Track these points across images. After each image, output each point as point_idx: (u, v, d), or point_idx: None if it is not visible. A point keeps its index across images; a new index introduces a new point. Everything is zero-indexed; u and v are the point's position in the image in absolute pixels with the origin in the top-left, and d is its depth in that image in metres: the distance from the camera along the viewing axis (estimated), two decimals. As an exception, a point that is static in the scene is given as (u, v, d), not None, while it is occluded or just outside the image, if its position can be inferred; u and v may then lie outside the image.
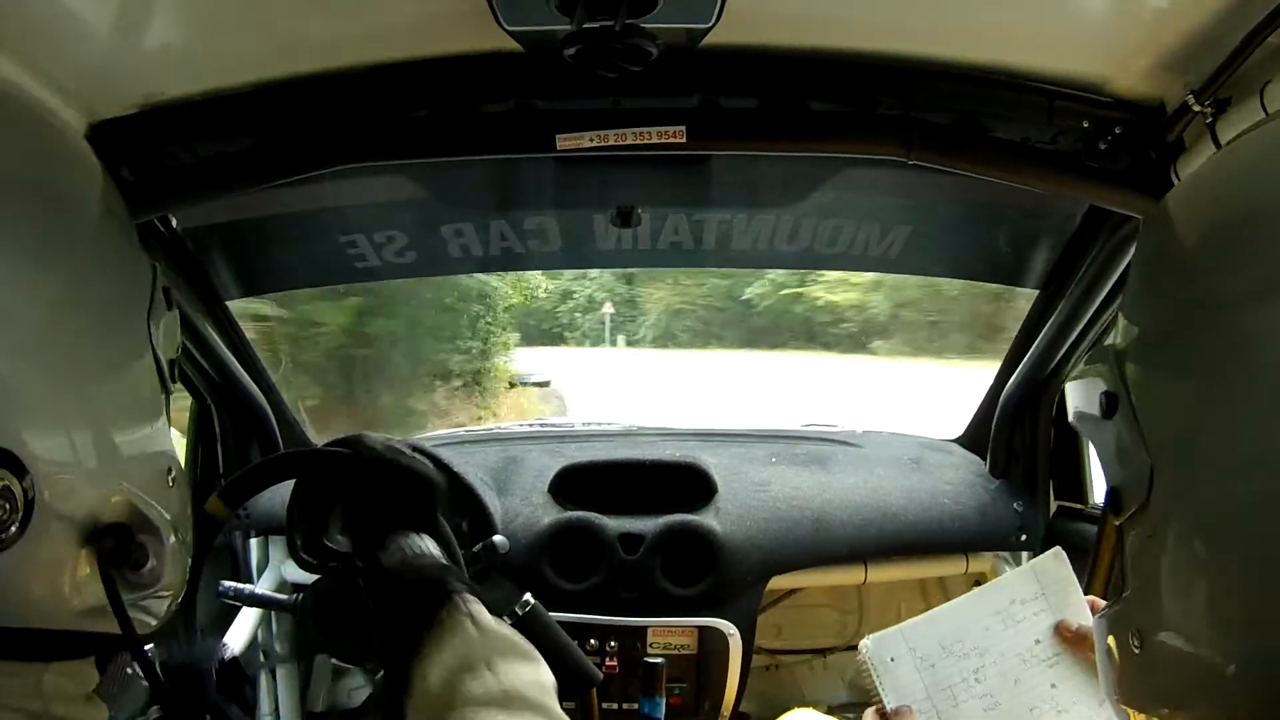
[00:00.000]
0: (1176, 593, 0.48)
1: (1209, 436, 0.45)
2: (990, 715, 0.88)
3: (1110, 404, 0.52)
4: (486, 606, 0.66)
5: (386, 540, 0.75)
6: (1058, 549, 0.92)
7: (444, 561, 0.74)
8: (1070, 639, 0.87)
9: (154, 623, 0.59)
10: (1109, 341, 0.55)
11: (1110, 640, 0.53)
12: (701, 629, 1.33)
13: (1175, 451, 0.47)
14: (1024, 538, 1.44)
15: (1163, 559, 0.48)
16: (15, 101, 0.55)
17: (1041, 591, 0.90)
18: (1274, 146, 0.47)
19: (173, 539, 0.58)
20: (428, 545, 0.75)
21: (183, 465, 0.65)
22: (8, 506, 0.44)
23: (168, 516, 0.57)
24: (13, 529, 0.45)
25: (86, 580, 0.50)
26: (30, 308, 0.49)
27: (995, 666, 0.88)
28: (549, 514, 1.38)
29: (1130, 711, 0.53)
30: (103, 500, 0.51)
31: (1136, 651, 0.50)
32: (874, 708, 0.88)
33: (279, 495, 1.18)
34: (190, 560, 0.62)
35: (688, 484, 1.42)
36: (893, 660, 0.89)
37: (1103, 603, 0.85)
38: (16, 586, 0.47)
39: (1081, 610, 0.89)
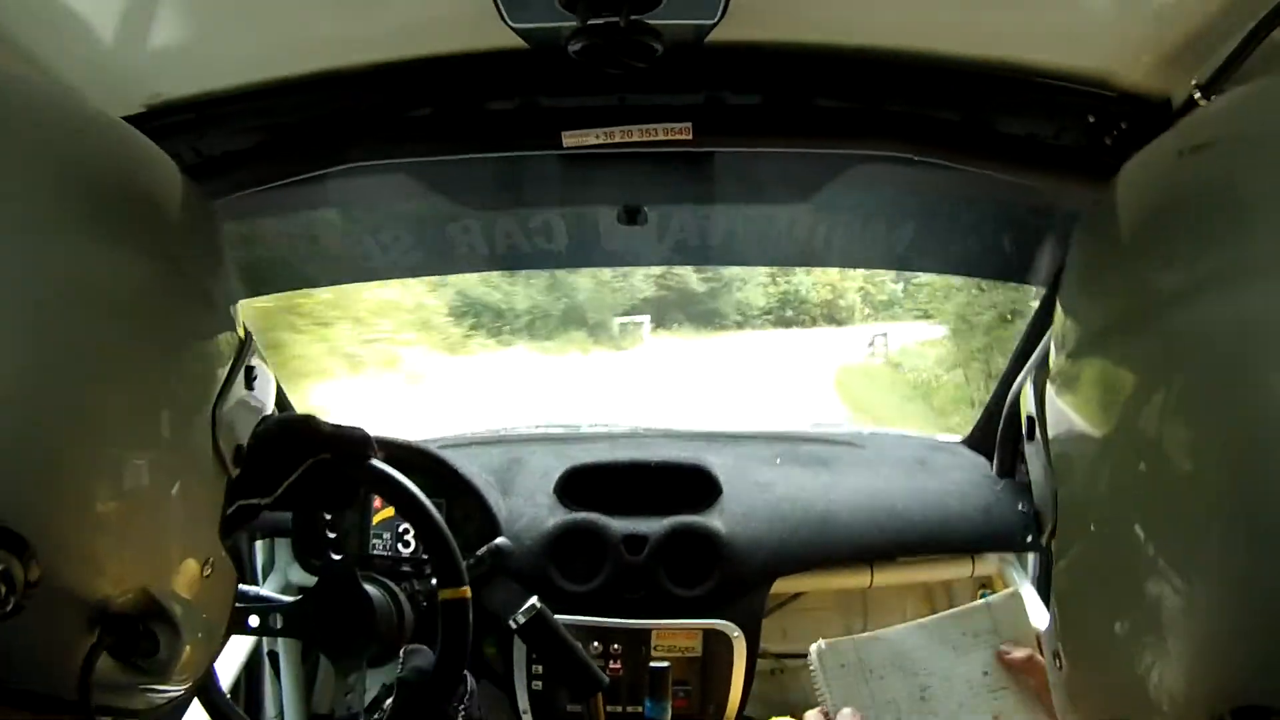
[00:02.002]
0: (1082, 614, 0.49)
1: (1104, 455, 0.45)
2: None
3: (1030, 427, 0.55)
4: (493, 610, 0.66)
5: None
6: (1015, 590, 0.95)
7: None
8: (1016, 666, 0.89)
9: (162, 702, 0.56)
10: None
11: (1047, 664, 0.55)
12: (706, 631, 1.32)
13: (1076, 470, 0.48)
14: (1030, 539, 1.43)
15: (1070, 580, 0.50)
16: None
17: (993, 628, 0.92)
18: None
19: (194, 633, 0.54)
20: None
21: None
22: (4, 589, 0.42)
23: (193, 609, 0.54)
24: (10, 604, 0.42)
25: (79, 658, 0.48)
26: (65, 368, 0.45)
27: (942, 689, 0.90)
28: (554, 515, 1.38)
29: None
30: (116, 591, 0.48)
31: (1059, 671, 0.52)
32: (819, 708, 0.89)
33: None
34: (215, 644, 0.59)
35: (692, 485, 1.42)
36: (842, 667, 0.91)
37: (1020, 653, 0.89)
38: (6, 658, 0.45)
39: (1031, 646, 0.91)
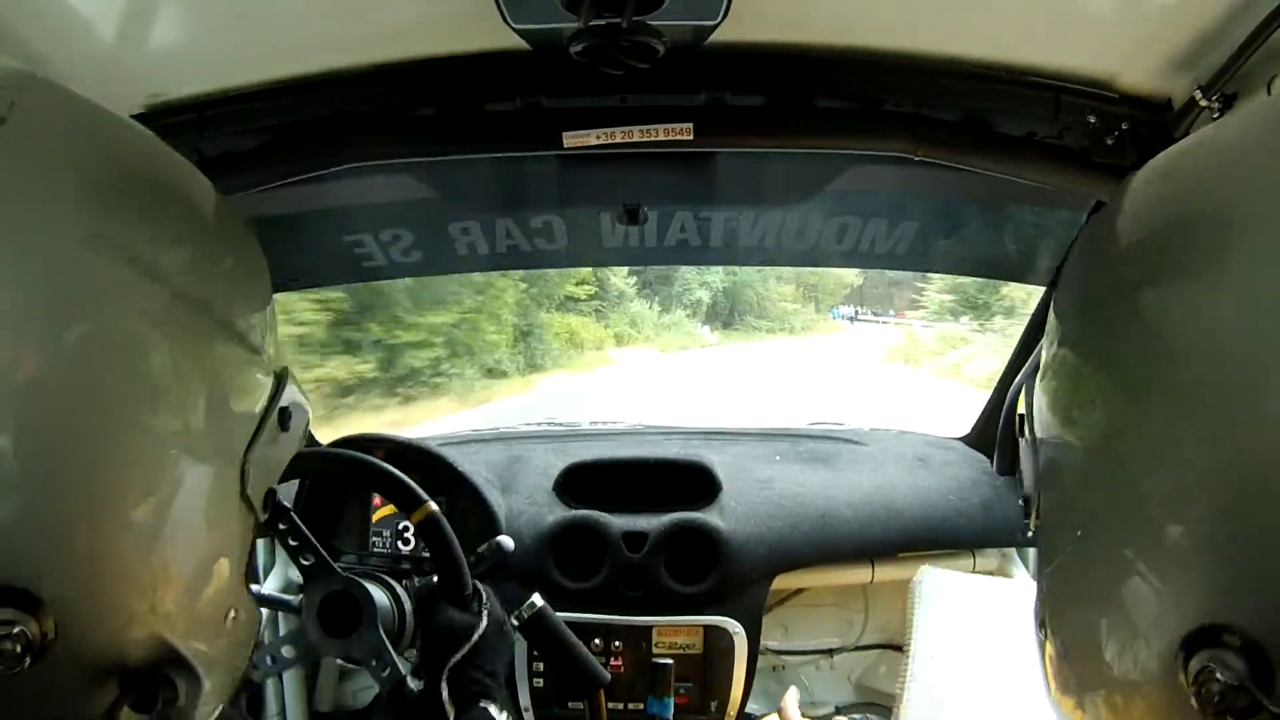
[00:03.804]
0: (1063, 584, 0.52)
1: (1088, 435, 0.48)
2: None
3: (1022, 424, 0.57)
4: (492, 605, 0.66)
5: (485, 709, 0.81)
6: None
7: None
8: None
9: None
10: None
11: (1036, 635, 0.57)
12: (707, 628, 1.32)
13: (1057, 453, 0.51)
14: (1030, 533, 1.43)
15: (1052, 554, 0.52)
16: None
17: None
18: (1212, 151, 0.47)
19: (214, 678, 0.53)
20: None
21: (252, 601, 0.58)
22: (19, 648, 0.42)
23: (214, 656, 0.53)
24: (25, 663, 0.42)
25: (99, 710, 0.47)
26: (83, 409, 0.43)
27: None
28: (554, 513, 1.38)
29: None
30: (135, 644, 0.48)
31: (1045, 642, 0.54)
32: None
33: (284, 495, 1.18)
34: (234, 682, 0.57)
35: (692, 482, 1.42)
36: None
37: None
38: (22, 711, 0.45)
39: None
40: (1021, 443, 0.58)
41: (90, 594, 0.45)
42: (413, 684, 0.96)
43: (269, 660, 1.03)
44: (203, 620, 0.52)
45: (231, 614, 0.54)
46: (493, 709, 0.88)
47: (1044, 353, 0.55)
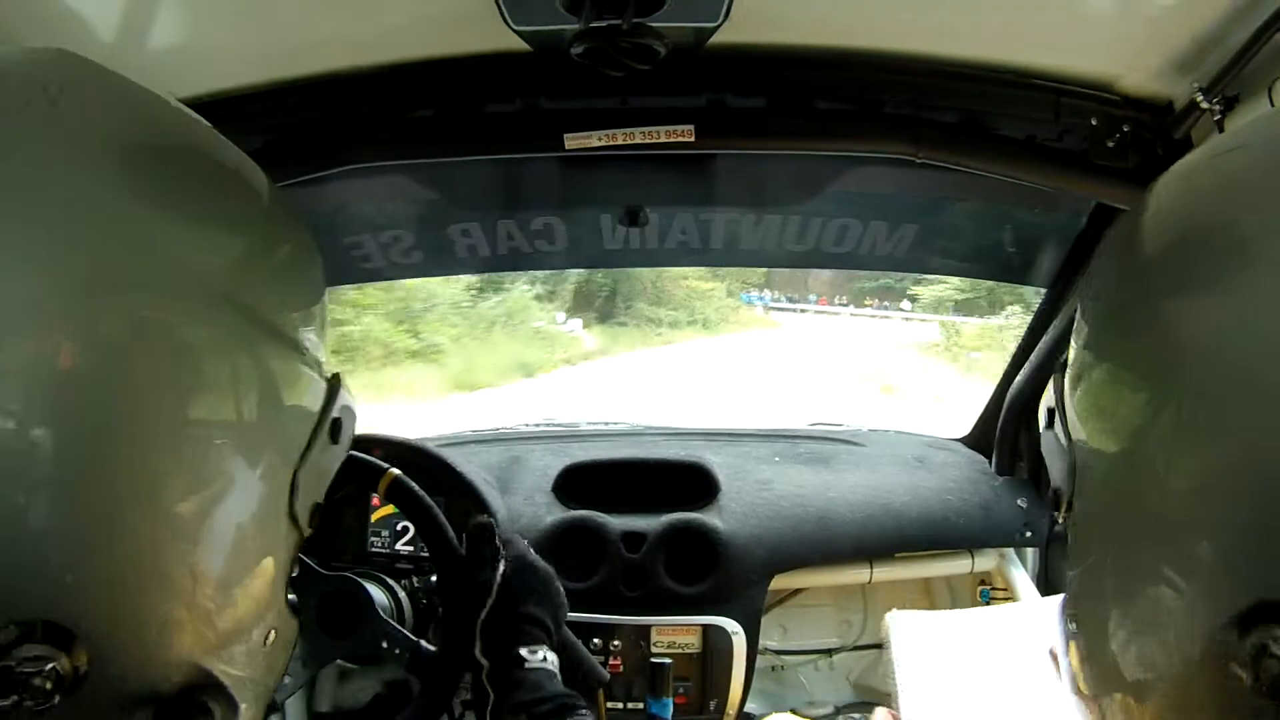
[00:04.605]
0: (1096, 581, 0.50)
1: (1122, 434, 0.47)
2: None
3: (1050, 415, 0.56)
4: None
5: (517, 652, 0.77)
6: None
7: (566, 690, 0.76)
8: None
9: None
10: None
11: (1060, 629, 0.56)
12: (706, 628, 1.32)
13: (1093, 444, 0.49)
14: (1029, 534, 1.44)
15: (1084, 552, 0.51)
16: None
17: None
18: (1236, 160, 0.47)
19: (248, 698, 0.51)
20: (552, 662, 0.77)
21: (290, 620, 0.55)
22: (50, 684, 0.40)
23: (251, 678, 0.51)
24: (56, 699, 0.40)
25: None
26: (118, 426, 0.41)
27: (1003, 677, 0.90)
28: (552, 513, 1.38)
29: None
30: (170, 671, 0.46)
31: (1072, 635, 0.53)
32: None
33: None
34: (267, 701, 0.55)
35: (691, 483, 1.42)
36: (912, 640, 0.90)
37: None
38: None
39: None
40: (1050, 435, 0.57)
41: (126, 622, 0.44)
42: (428, 646, 0.96)
43: (285, 681, 1.02)
44: (241, 643, 0.50)
45: (270, 635, 0.52)
46: (525, 650, 0.84)
47: (1071, 349, 0.55)
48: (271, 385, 0.48)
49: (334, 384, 0.52)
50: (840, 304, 14.93)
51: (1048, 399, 0.59)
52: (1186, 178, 0.49)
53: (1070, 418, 0.52)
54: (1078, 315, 0.55)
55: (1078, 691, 0.55)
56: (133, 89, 0.49)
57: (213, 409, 0.44)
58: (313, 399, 0.50)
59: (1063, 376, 0.55)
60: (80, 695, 0.41)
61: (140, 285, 0.43)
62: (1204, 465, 0.41)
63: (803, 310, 15.21)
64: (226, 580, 0.47)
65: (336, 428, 0.51)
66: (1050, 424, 0.56)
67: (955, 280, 9.35)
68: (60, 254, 0.41)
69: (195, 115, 0.52)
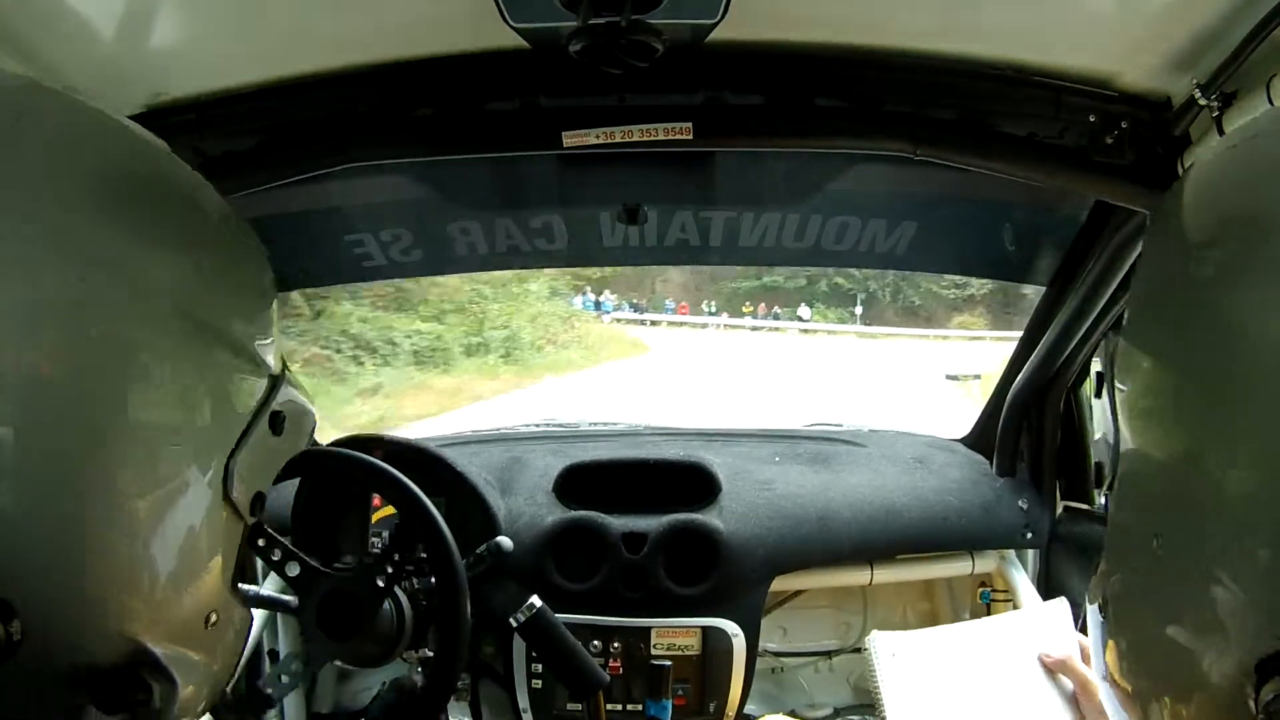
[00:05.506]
0: (1134, 584, 0.50)
1: (1172, 416, 0.46)
2: None
3: (1099, 384, 0.56)
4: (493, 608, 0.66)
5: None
6: (1062, 599, 0.99)
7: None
8: (1050, 666, 0.92)
9: None
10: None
11: (1091, 612, 0.56)
12: (705, 629, 1.32)
13: (1141, 424, 0.49)
14: (1029, 535, 1.43)
15: (1124, 551, 0.51)
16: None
17: (1033, 634, 0.95)
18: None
19: (193, 680, 0.53)
20: None
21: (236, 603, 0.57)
22: None
23: (193, 659, 0.53)
24: None
25: (64, 710, 0.47)
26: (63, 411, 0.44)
27: (988, 687, 0.92)
28: (553, 514, 1.38)
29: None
30: (105, 647, 0.48)
31: (1102, 617, 0.53)
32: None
33: (284, 495, 1.18)
34: (221, 684, 0.57)
35: (691, 483, 1.42)
36: (893, 656, 0.93)
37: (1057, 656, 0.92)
38: None
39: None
40: (1098, 404, 0.57)
41: (62, 598, 0.45)
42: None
43: (282, 680, 1.02)
44: (179, 622, 0.51)
45: (212, 617, 0.53)
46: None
47: (1120, 341, 0.54)
48: (208, 382, 0.51)
49: (277, 380, 0.55)
50: (708, 311, 11.83)
51: (1097, 365, 0.59)
52: (1223, 167, 0.49)
53: (1118, 399, 0.52)
54: (1125, 310, 0.55)
55: (1112, 683, 0.54)
56: (95, 115, 0.51)
57: (151, 403, 0.47)
58: (249, 394, 0.53)
59: (1113, 341, 0.54)
60: (10, 666, 0.43)
61: (92, 301, 0.45)
62: (1254, 485, 0.40)
63: (654, 323, 12.20)
64: (158, 561, 0.49)
65: (278, 420, 0.54)
66: (1099, 393, 0.56)
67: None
68: (20, 271, 0.43)
69: (154, 139, 0.55)
